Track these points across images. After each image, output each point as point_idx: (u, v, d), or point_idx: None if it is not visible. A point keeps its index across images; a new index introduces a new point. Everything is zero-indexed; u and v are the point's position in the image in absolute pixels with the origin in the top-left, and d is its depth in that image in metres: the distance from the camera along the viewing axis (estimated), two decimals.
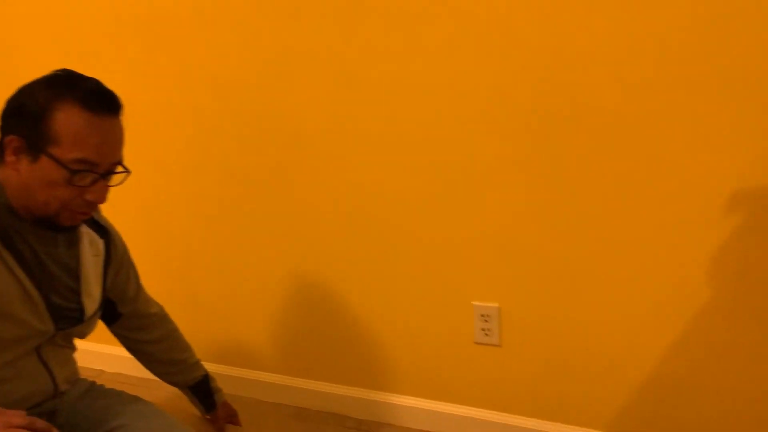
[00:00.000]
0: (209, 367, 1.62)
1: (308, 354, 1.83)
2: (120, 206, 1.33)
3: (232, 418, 1.59)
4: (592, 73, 1.31)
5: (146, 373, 1.50)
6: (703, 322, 1.36)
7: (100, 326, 1.31)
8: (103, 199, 1.06)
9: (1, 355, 1.04)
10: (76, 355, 1.28)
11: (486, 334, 1.56)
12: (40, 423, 0.90)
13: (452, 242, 1.53)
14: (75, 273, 1.14)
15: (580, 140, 1.35)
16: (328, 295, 1.72)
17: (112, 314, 1.33)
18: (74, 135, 0.99)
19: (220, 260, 1.83)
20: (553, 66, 1.33)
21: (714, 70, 1.22)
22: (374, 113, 1.52)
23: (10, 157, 1.01)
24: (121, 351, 1.48)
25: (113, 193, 1.08)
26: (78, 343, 1.25)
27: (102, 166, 1.03)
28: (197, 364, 1.52)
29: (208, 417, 1.55)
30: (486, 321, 1.55)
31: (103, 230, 1.23)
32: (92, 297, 1.18)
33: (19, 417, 0.89)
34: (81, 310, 1.16)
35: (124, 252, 1.31)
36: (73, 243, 1.15)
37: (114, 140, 1.05)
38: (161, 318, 1.45)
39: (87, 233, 1.18)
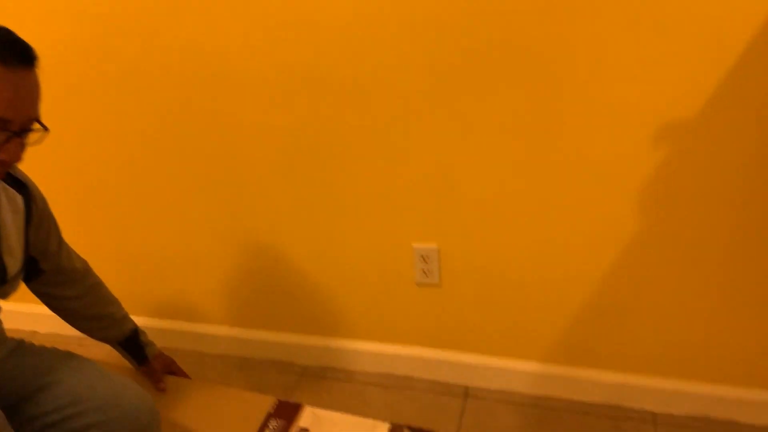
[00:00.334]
0: (148, 322, 1.59)
1: (251, 304, 1.82)
2: (43, 158, 1.26)
3: (170, 366, 1.58)
4: (517, 8, 1.30)
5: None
6: (632, 253, 1.41)
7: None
8: (17, 158, 0.99)
9: None
10: (5, 317, 1.23)
11: (426, 275, 1.58)
12: None
13: (391, 185, 1.52)
14: None
15: (508, 77, 1.35)
16: (268, 243, 1.70)
17: (34, 271, 1.28)
18: None
19: (152, 212, 1.77)
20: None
21: (641, 3, 1.23)
22: (301, 49, 1.47)
23: None
24: None
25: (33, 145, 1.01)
26: (7, 304, 1.19)
27: (15, 123, 0.96)
28: (125, 318, 1.48)
29: (143, 370, 1.53)
30: (426, 262, 1.57)
31: (21, 185, 1.16)
32: (14, 256, 1.12)
33: None
34: (3, 269, 1.10)
35: (45, 206, 1.25)
36: None
37: (29, 95, 0.97)
38: (84, 272, 1.40)
39: (4, 189, 1.11)
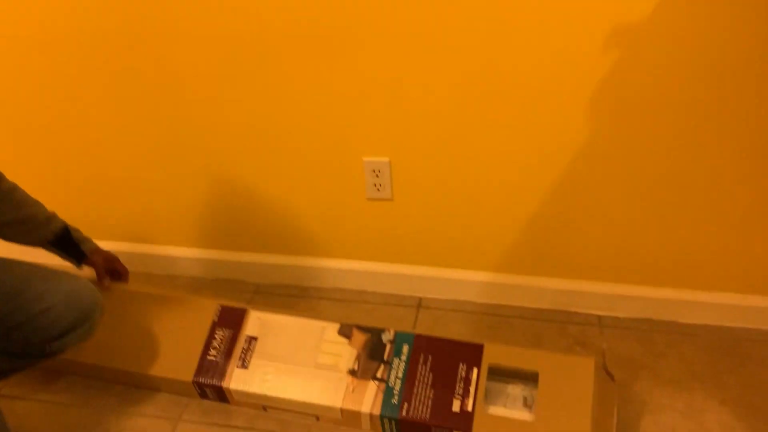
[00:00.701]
0: (103, 245, 1.56)
1: (201, 224, 1.78)
2: None
3: (113, 264, 1.56)
4: None
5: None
6: (579, 163, 1.42)
7: None
8: None
9: None
10: None
11: (378, 189, 1.57)
12: None
13: (340, 97, 1.47)
14: None
15: None
16: (217, 162, 1.64)
17: None
18: None
19: (103, 135, 1.69)
20: None
21: None
22: None
23: None
24: None
25: None
26: None
27: None
28: (52, 218, 1.43)
29: (83, 268, 1.51)
30: (377, 176, 1.55)
31: None
32: None
33: None
34: None
35: None
36: None
37: None
38: None
39: None
